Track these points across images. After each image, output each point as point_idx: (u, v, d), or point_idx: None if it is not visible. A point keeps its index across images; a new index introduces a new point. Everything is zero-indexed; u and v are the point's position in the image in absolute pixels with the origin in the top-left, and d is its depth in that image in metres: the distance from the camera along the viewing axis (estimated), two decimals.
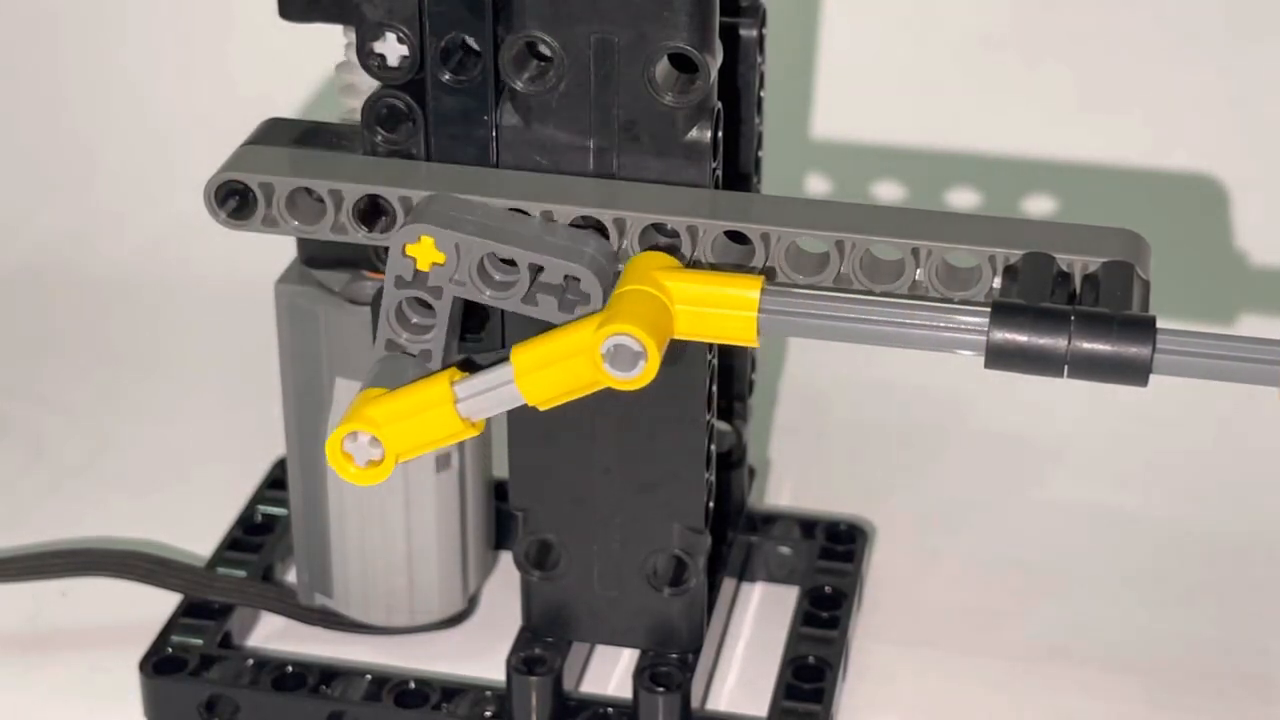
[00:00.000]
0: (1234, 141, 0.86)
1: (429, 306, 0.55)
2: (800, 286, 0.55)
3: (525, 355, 0.53)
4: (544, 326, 0.54)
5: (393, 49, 0.56)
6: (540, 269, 0.54)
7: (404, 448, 0.54)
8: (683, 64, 0.56)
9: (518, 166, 0.57)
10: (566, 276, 0.54)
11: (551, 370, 0.53)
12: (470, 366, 0.56)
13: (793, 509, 0.73)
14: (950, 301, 0.54)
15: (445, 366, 0.55)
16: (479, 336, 0.60)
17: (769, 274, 0.55)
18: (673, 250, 0.55)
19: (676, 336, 0.53)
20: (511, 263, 0.54)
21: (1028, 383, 0.60)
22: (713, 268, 0.55)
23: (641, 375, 0.52)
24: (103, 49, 0.94)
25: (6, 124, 0.94)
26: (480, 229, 0.54)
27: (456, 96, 0.57)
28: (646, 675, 0.62)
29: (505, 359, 0.53)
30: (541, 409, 0.54)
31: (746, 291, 0.52)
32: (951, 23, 0.88)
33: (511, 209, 0.55)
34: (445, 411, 0.54)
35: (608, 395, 0.59)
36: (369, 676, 0.64)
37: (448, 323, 0.55)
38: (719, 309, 0.53)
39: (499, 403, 0.54)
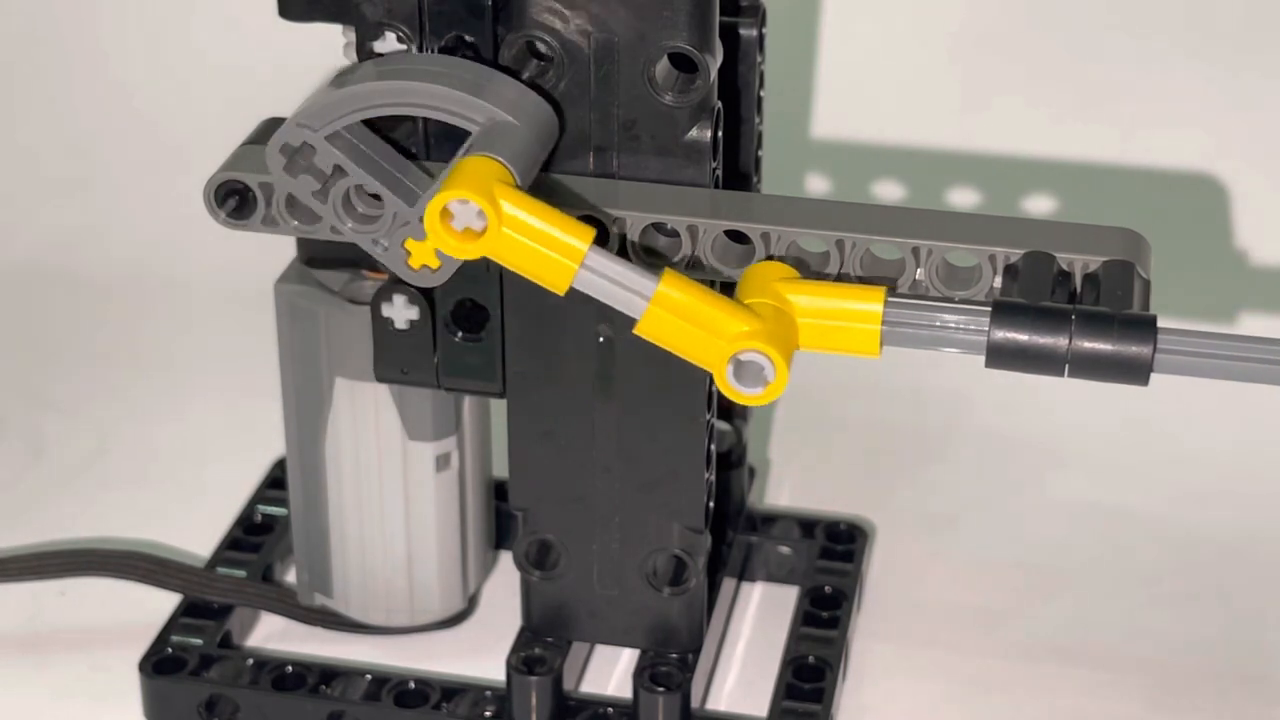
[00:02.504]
0: (1234, 141, 0.86)
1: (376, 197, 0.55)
2: (918, 296, 0.54)
3: (670, 294, 0.51)
4: (548, 340, 0.54)
5: (392, 49, 0.56)
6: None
7: (501, 253, 0.51)
8: (683, 64, 0.56)
9: None
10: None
11: (681, 325, 0.51)
12: (601, 240, 0.53)
13: (793, 509, 0.73)
14: (950, 301, 0.54)
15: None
16: (479, 336, 0.60)
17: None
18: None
19: (800, 349, 0.52)
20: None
21: (1028, 383, 0.60)
22: (839, 278, 0.54)
23: (763, 395, 0.51)
24: (103, 49, 0.94)
25: (6, 124, 0.94)
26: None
27: None
28: (646, 675, 0.62)
29: (657, 271, 0.51)
30: (638, 334, 0.52)
31: (869, 304, 0.51)
32: (951, 23, 0.88)
33: None
34: (559, 265, 0.50)
35: (608, 395, 0.60)
36: (369, 676, 0.64)
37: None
38: (843, 322, 0.52)
39: (611, 297, 0.51)
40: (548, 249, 0.51)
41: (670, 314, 0.51)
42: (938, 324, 0.52)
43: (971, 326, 0.51)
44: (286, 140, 0.54)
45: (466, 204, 0.50)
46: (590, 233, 0.51)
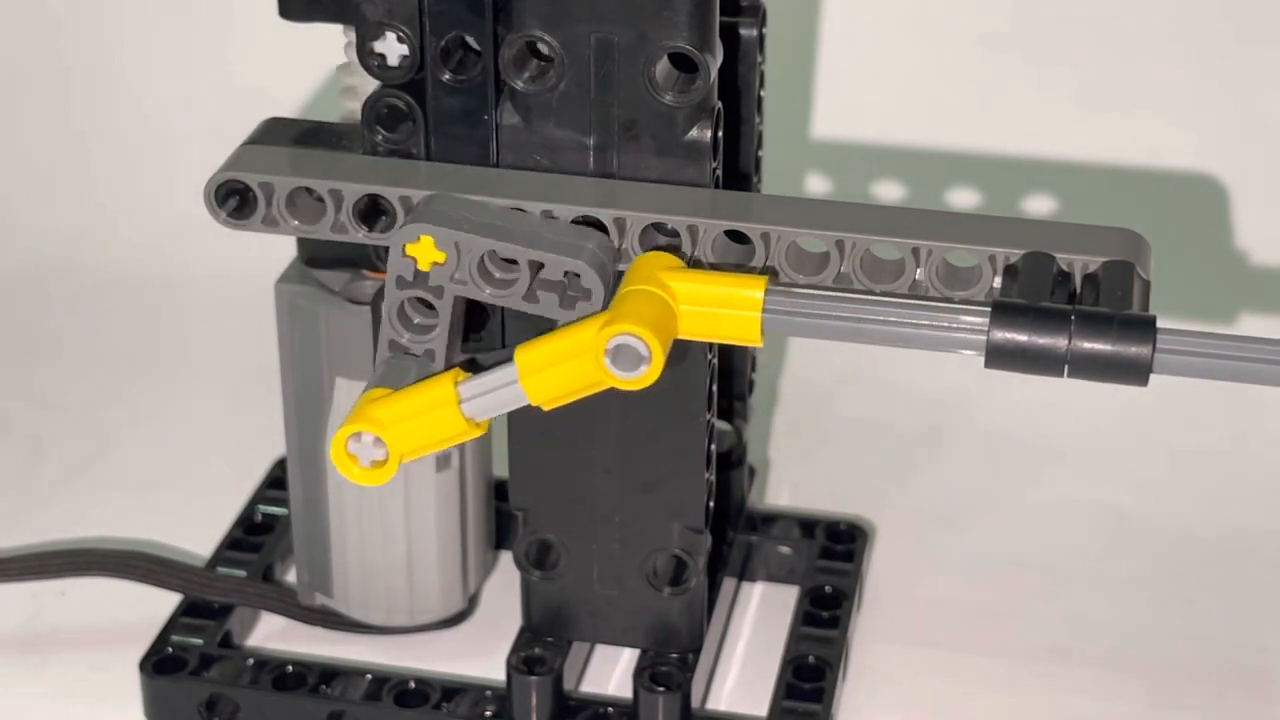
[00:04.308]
0: (1234, 141, 0.86)
1: (431, 307, 0.55)
2: (801, 286, 0.55)
3: (528, 355, 0.53)
4: (546, 325, 0.54)
5: (393, 48, 0.56)
6: (540, 266, 0.54)
7: (408, 448, 0.54)
8: (683, 63, 0.56)
9: (518, 166, 0.57)
10: (567, 273, 0.54)
11: (555, 370, 0.53)
12: (474, 366, 0.56)
13: (793, 509, 0.73)
14: (950, 301, 0.54)
15: (449, 366, 0.55)
16: (479, 336, 0.60)
17: (771, 273, 0.55)
18: (674, 250, 0.55)
19: (680, 336, 0.53)
20: (512, 261, 0.54)
21: (1028, 383, 0.60)
22: (713, 267, 0.55)
23: (645, 375, 0.52)
24: (103, 49, 0.94)
25: (6, 124, 0.95)
26: (480, 227, 0.54)
27: (456, 96, 0.57)
28: (646, 675, 0.62)
29: (508, 359, 0.53)
30: (545, 409, 0.54)
31: (750, 291, 0.52)
32: (951, 22, 0.88)
33: (512, 208, 0.55)
34: (449, 412, 0.54)
35: (608, 395, 0.60)
36: (369, 676, 0.64)
37: (449, 322, 0.55)
38: (723, 309, 0.52)
39: (502, 403, 0.54)
40: (426, 409, 0.54)
41: (544, 370, 0.53)
42: (937, 324, 0.52)
43: (971, 327, 0.51)
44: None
45: (367, 437, 0.54)
46: (449, 379, 0.53)
